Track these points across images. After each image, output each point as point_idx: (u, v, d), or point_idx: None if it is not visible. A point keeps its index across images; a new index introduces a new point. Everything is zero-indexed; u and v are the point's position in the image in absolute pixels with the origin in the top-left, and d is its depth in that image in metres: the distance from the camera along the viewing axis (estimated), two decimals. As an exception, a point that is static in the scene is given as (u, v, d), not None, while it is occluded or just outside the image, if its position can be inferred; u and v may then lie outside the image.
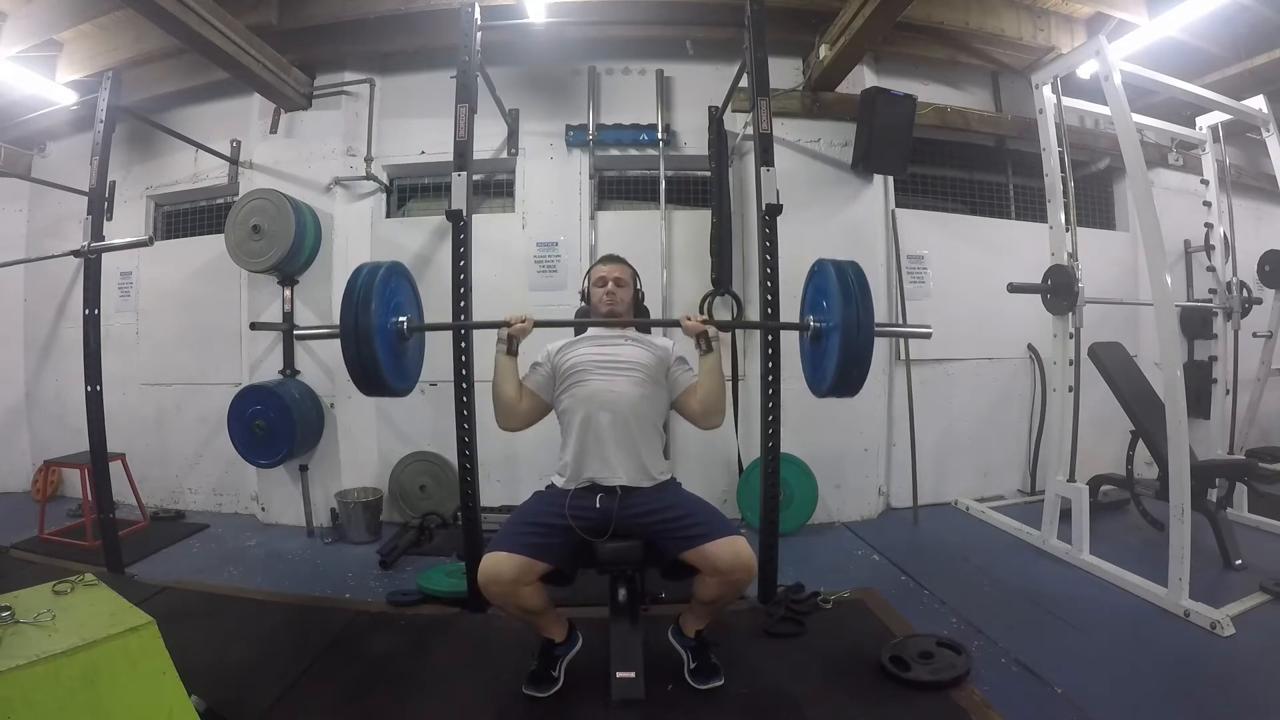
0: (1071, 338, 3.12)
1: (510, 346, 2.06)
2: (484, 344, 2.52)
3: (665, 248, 3.76)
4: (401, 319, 2.08)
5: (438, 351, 2.49)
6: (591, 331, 2.25)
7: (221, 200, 4.18)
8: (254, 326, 3.61)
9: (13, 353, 4.60)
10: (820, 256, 2.14)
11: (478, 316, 2.61)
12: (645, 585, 2.13)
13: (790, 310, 2.38)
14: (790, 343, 2.46)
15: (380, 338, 1.97)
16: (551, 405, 2.13)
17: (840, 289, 1.94)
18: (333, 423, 3.81)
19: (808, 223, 3.58)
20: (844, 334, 1.91)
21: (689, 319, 2.05)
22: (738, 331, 3.70)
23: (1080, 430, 3.15)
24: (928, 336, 2.35)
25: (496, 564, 1.80)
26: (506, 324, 2.04)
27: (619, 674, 1.91)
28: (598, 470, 1.98)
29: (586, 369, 2.06)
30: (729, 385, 3.62)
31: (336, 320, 1.98)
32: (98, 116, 3.05)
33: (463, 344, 2.57)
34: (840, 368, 1.95)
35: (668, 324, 2.29)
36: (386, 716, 1.90)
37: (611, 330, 2.20)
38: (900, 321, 3.84)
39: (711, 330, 2.03)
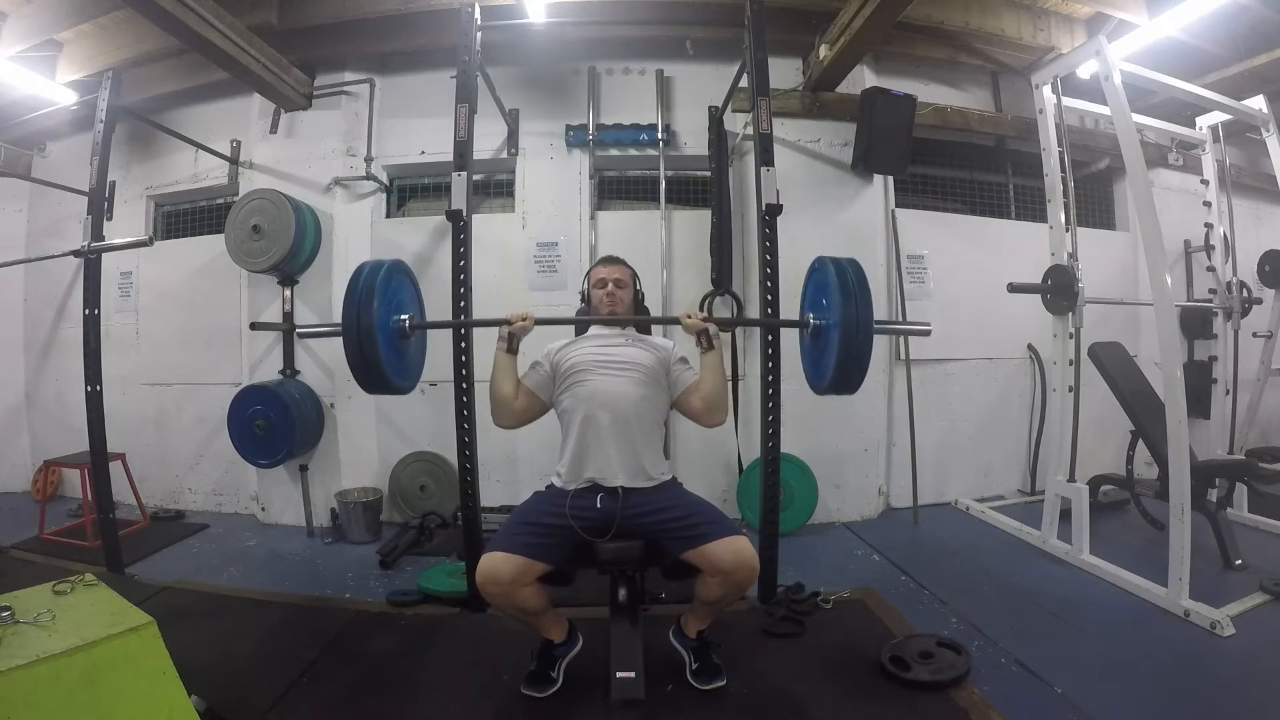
0: (1071, 338, 3.12)
1: (510, 344, 2.06)
2: (484, 344, 2.52)
3: (665, 248, 3.76)
4: (404, 317, 2.07)
5: (438, 351, 2.49)
6: (592, 331, 2.25)
7: (221, 200, 4.18)
8: (254, 326, 3.60)
9: (13, 353, 4.59)
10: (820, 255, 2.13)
11: (478, 316, 2.62)
12: (645, 585, 2.13)
13: (790, 309, 2.37)
14: (790, 341, 2.46)
15: (383, 335, 1.96)
16: (550, 405, 2.13)
17: (840, 286, 1.92)
18: (333, 423, 3.81)
19: (808, 223, 3.60)
20: (843, 331, 1.90)
21: (689, 317, 2.05)
22: (738, 331, 3.70)
23: (1080, 430, 3.15)
24: (927, 334, 2.34)
25: (495, 564, 1.80)
26: (507, 321, 2.05)
27: (619, 674, 1.90)
28: (597, 470, 1.98)
29: (587, 369, 2.06)
30: (730, 384, 3.67)
31: (338, 319, 1.98)
32: (98, 116, 3.05)
33: (463, 344, 2.56)
34: (840, 365, 1.94)
35: (668, 322, 2.28)
36: (386, 716, 1.90)
37: (612, 330, 2.20)
38: (900, 319, 3.84)
39: (712, 328, 2.04)
